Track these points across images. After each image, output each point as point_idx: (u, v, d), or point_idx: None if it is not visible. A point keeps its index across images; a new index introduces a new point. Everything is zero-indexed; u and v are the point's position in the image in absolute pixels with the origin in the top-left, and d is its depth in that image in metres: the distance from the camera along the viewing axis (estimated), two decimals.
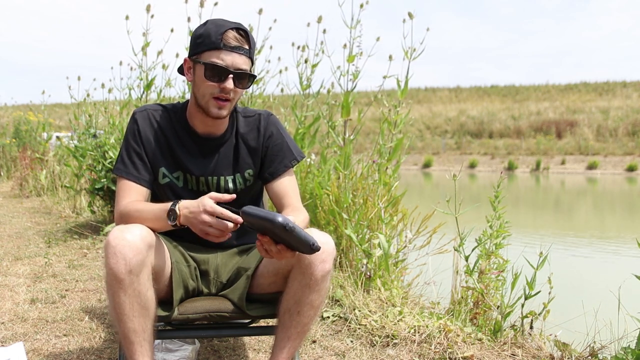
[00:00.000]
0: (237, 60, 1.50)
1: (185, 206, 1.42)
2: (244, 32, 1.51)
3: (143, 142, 1.63)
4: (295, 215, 1.53)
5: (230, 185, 1.68)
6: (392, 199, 2.99)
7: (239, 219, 1.35)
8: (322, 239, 1.45)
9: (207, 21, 1.54)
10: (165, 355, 1.86)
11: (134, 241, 1.37)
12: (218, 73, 1.50)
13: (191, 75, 1.57)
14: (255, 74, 1.63)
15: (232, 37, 1.49)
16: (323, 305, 1.53)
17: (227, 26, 1.49)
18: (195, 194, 1.66)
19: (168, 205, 1.45)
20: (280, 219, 1.22)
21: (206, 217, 1.36)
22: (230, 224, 1.36)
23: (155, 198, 1.72)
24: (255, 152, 1.69)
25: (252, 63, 1.58)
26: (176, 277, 1.57)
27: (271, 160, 1.69)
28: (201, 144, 1.66)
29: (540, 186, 21.58)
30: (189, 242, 1.67)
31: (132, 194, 1.59)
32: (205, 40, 1.51)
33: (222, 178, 1.67)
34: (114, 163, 4.33)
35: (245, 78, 1.54)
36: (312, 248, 1.27)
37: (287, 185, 1.69)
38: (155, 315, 1.46)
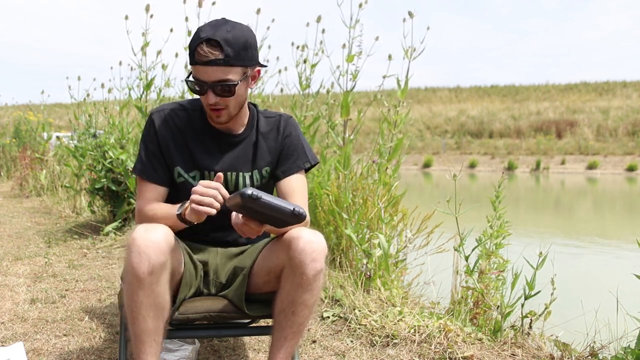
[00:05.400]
0: (212, 73, 1.48)
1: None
2: (215, 42, 1.47)
3: (159, 143, 1.65)
4: None
5: (248, 181, 1.69)
6: (392, 199, 2.99)
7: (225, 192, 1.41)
8: (313, 237, 1.45)
9: (195, 30, 1.54)
10: (165, 355, 1.86)
11: (158, 242, 1.38)
12: (198, 88, 1.52)
13: None
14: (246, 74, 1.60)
15: (203, 51, 1.46)
16: (317, 304, 1.54)
17: (200, 39, 1.47)
18: None
19: (175, 209, 1.52)
20: (249, 191, 1.23)
21: (195, 189, 1.41)
22: (219, 197, 1.40)
23: (174, 196, 1.72)
24: (274, 151, 1.71)
25: (242, 64, 1.52)
26: (186, 277, 1.58)
27: (285, 159, 1.71)
28: (220, 140, 1.67)
29: (540, 186, 21.58)
30: (191, 242, 1.68)
31: (151, 194, 1.65)
32: (188, 55, 1.53)
33: (240, 174, 1.68)
34: (114, 163, 4.36)
35: (227, 87, 1.51)
36: (295, 213, 1.27)
37: (296, 185, 1.69)
38: (169, 317, 1.47)
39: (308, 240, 1.43)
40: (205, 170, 1.66)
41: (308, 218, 1.66)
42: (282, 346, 1.51)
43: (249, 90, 1.63)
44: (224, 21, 1.52)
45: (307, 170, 1.76)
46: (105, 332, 2.24)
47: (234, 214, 1.38)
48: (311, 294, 1.47)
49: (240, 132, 1.69)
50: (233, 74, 1.51)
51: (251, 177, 1.69)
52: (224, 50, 1.47)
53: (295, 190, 1.68)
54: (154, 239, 1.37)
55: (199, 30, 1.50)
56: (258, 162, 1.70)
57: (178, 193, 1.70)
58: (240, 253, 1.72)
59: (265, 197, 1.25)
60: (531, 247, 2.25)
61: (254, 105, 1.75)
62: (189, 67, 1.57)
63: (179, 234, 1.64)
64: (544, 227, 9.70)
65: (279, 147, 1.71)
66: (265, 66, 1.64)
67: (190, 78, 1.54)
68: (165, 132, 1.65)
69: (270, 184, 1.75)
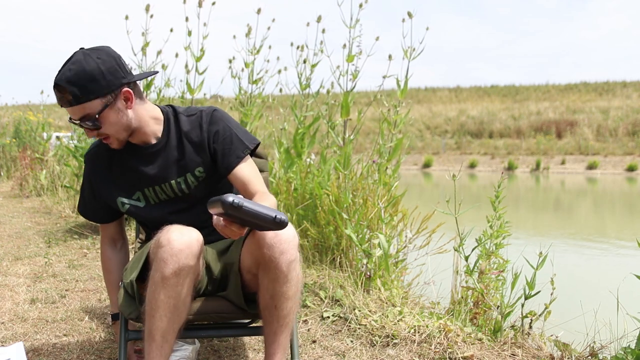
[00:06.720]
0: (72, 113, 1.53)
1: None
2: (58, 86, 1.49)
3: (92, 184, 1.75)
4: (263, 200, 1.56)
5: (183, 186, 1.69)
6: (392, 199, 2.99)
7: None
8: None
9: None
10: None
11: (191, 245, 1.41)
12: (76, 124, 1.56)
13: None
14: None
15: (56, 96, 1.52)
16: (299, 294, 1.53)
17: (54, 85, 1.50)
18: (157, 208, 1.70)
19: (114, 306, 1.79)
20: (230, 198, 1.21)
21: None
22: None
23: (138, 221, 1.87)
24: (201, 148, 1.68)
25: (92, 98, 1.50)
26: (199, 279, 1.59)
27: (223, 155, 1.67)
28: (142, 155, 1.68)
29: (540, 186, 21.58)
30: None
31: (103, 231, 1.85)
32: None
33: (173, 182, 1.68)
34: None
35: (90, 121, 1.52)
36: (276, 221, 1.26)
37: (246, 173, 1.67)
38: (186, 319, 1.48)
39: (274, 234, 1.44)
40: (145, 188, 1.70)
41: (275, 202, 1.63)
42: (273, 341, 1.53)
43: (129, 112, 1.58)
44: (71, 58, 1.51)
45: (252, 153, 1.73)
46: (105, 332, 2.24)
47: (214, 216, 1.38)
48: (289, 285, 1.47)
49: (158, 140, 1.68)
50: (89, 109, 1.51)
51: (185, 181, 1.69)
52: (69, 90, 1.48)
53: (249, 180, 1.66)
54: (187, 242, 1.40)
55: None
56: (188, 165, 1.68)
57: (134, 217, 1.77)
58: (227, 248, 1.71)
59: (247, 204, 1.23)
60: (531, 247, 2.25)
61: (172, 107, 1.72)
62: None
63: None
64: (543, 227, 9.70)
65: (206, 145, 1.67)
66: (128, 83, 1.56)
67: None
68: (97, 172, 1.73)
69: (210, 180, 1.71)
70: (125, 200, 1.71)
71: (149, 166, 1.67)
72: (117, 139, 1.60)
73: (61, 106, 1.53)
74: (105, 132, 1.57)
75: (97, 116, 1.52)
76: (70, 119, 1.56)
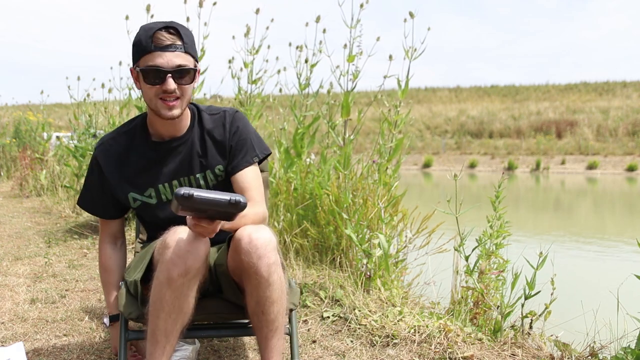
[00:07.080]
0: (173, 59, 1.50)
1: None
2: (174, 30, 1.51)
3: (105, 177, 1.70)
4: (250, 207, 1.54)
5: (202, 182, 1.69)
6: (392, 199, 2.99)
7: None
8: (254, 234, 1.45)
9: (140, 27, 1.55)
10: None
11: (198, 248, 1.40)
12: (156, 75, 1.51)
13: (138, 83, 1.58)
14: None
15: (161, 37, 1.49)
16: (284, 296, 1.52)
17: (156, 27, 1.50)
18: (168, 206, 1.67)
19: (112, 307, 1.77)
20: (182, 191, 1.23)
21: None
22: None
23: (140, 218, 1.85)
24: (223, 147, 1.69)
25: (194, 57, 1.58)
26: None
27: (234, 155, 1.69)
28: (164, 149, 1.67)
29: (540, 186, 21.58)
30: None
31: (104, 227, 1.82)
32: (138, 46, 1.52)
33: (192, 177, 1.68)
34: None
35: (186, 73, 1.54)
36: (231, 202, 1.26)
37: (248, 179, 1.68)
38: (190, 320, 1.48)
39: (249, 240, 1.43)
40: (160, 184, 1.68)
41: (266, 213, 1.64)
42: (266, 347, 1.53)
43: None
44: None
45: (260, 162, 1.74)
46: (105, 332, 2.24)
47: (187, 217, 1.38)
48: (272, 289, 1.46)
49: (183, 134, 1.68)
50: (189, 61, 1.55)
51: (204, 178, 1.69)
52: (182, 37, 1.52)
53: (249, 186, 1.67)
54: (195, 244, 1.39)
55: (148, 24, 1.53)
56: (209, 161, 1.69)
57: (138, 212, 1.75)
58: (216, 250, 1.71)
59: (198, 193, 1.24)
60: (531, 247, 2.25)
61: (195, 104, 1.74)
62: (133, 64, 1.57)
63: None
64: (544, 227, 9.70)
65: (227, 143, 1.69)
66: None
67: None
68: (111, 166, 1.69)
69: (226, 181, 1.72)
70: (137, 196, 1.69)
71: (171, 159, 1.67)
72: (181, 105, 1.58)
73: (158, 48, 1.49)
74: (183, 92, 1.56)
75: (196, 68, 1.56)
76: (149, 67, 1.50)
